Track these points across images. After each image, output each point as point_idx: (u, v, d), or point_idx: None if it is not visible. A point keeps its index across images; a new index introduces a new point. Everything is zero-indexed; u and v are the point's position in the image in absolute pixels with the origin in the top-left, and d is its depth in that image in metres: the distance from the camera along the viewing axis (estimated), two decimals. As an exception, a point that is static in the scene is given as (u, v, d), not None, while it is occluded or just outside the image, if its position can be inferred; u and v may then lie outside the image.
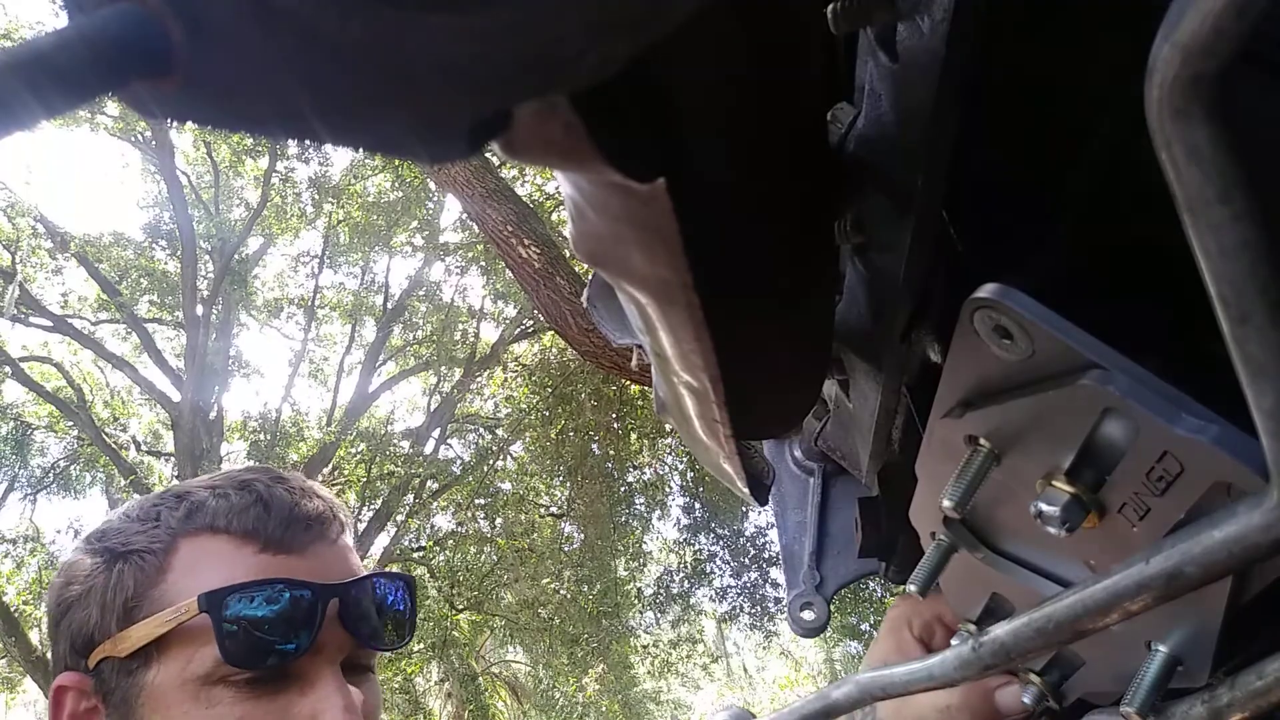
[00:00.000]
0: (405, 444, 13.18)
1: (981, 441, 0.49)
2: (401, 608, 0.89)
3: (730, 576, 12.37)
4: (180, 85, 0.26)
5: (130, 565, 0.82)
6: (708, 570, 12.43)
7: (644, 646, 13.34)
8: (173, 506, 0.85)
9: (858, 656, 12.82)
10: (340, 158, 13.53)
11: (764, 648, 15.33)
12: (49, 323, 12.83)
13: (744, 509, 11.94)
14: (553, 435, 11.56)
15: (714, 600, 12.71)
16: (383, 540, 12.61)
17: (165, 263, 13.88)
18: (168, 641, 0.78)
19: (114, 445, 12.73)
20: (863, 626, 11.64)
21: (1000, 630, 0.48)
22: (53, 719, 0.83)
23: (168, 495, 0.88)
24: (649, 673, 13.86)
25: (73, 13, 0.26)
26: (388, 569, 0.97)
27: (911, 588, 0.58)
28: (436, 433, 13.74)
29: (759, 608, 12.12)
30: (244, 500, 0.84)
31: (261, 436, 12.86)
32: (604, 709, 13.22)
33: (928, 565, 0.58)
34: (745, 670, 16.79)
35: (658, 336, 0.53)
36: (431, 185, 11.65)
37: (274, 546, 0.82)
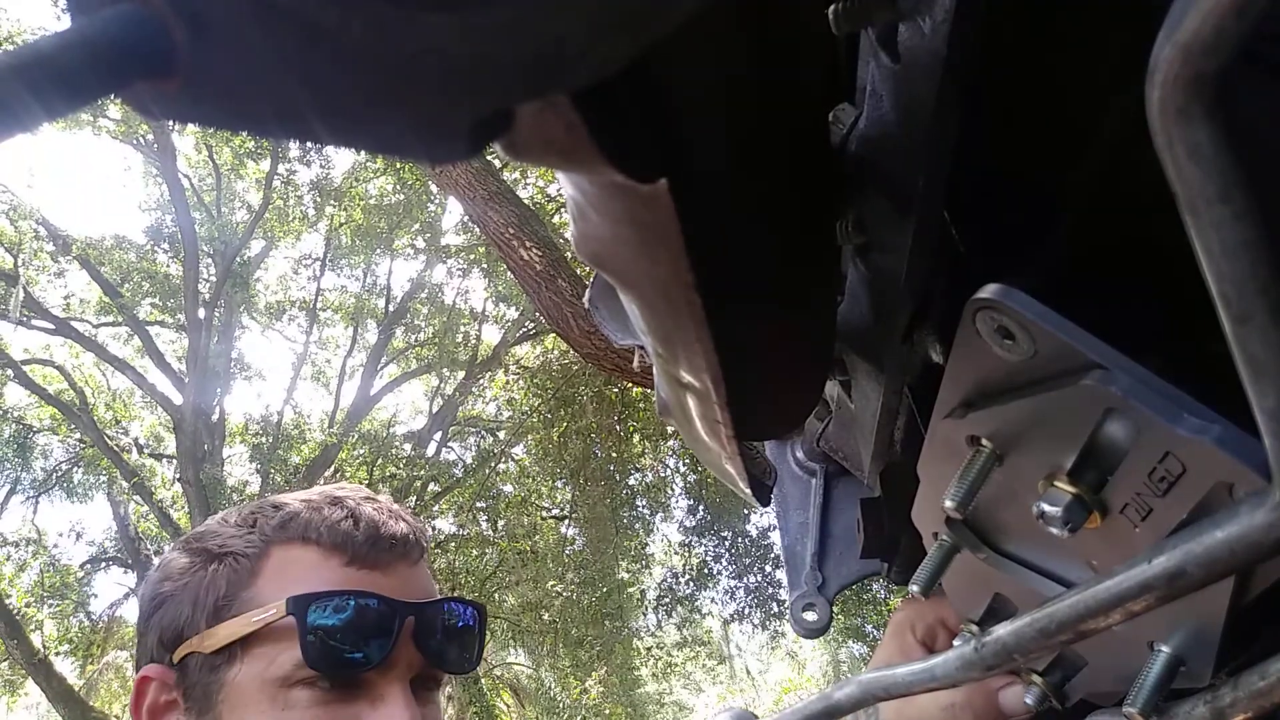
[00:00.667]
0: (407, 446, 13.18)
1: (984, 442, 0.49)
2: (471, 633, 0.91)
3: (733, 578, 12.36)
4: (182, 86, 0.26)
5: (225, 566, 0.85)
6: (713, 572, 12.40)
7: (647, 649, 13.32)
8: (269, 515, 0.89)
9: (862, 658, 12.79)
10: (342, 160, 13.56)
11: (769, 649, 15.30)
12: (51, 325, 12.85)
13: (747, 510, 11.92)
14: (555, 437, 11.54)
15: (717, 602, 12.70)
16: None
17: (167, 265, 13.90)
18: (252, 641, 0.81)
19: (116, 448, 12.74)
20: (866, 628, 11.61)
21: (1003, 630, 0.48)
22: (133, 706, 0.86)
23: (265, 504, 0.92)
24: (653, 675, 13.84)
25: (75, 14, 0.26)
26: (458, 595, 1.00)
27: (914, 588, 0.58)
28: (438, 435, 13.75)
29: (761, 610, 12.10)
30: (335, 514, 0.87)
31: (264, 439, 12.87)
32: (608, 712, 13.19)
33: (930, 566, 0.58)
34: (748, 672, 16.76)
35: (660, 337, 0.53)
36: (433, 188, 11.65)
37: (359, 561, 0.85)
